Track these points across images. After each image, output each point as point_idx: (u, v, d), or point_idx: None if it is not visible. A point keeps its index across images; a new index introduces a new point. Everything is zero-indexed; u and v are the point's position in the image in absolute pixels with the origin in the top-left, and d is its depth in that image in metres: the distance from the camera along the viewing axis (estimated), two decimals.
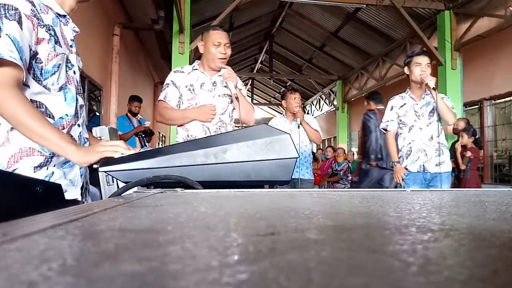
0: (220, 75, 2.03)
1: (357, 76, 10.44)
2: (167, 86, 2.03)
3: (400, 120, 2.75)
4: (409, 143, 2.69)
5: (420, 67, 2.60)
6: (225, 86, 2.03)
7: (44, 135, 0.98)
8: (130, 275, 0.19)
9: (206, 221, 0.39)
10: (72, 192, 1.15)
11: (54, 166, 1.10)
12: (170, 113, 1.99)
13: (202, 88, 2.01)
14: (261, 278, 0.19)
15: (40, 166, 1.07)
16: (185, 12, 5.92)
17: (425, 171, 2.64)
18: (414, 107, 2.69)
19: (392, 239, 0.30)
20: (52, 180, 1.09)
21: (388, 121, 2.82)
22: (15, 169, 1.03)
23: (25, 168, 1.04)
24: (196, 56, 8.42)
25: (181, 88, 2.01)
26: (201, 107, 1.96)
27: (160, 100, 2.03)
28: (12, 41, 0.94)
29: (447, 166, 2.68)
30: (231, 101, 2.04)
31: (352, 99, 11.06)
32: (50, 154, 1.07)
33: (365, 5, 6.53)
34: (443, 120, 2.61)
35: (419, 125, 2.67)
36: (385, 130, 2.85)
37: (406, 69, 2.72)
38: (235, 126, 2.17)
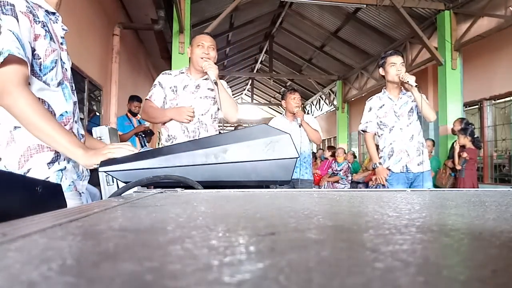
0: (204, 79, 2.15)
1: (357, 76, 10.43)
2: (154, 87, 2.18)
3: (380, 121, 2.74)
4: (390, 144, 2.68)
5: (395, 66, 2.61)
6: (208, 89, 2.15)
7: (54, 136, 0.98)
8: (130, 275, 0.19)
9: (206, 221, 0.39)
10: (79, 186, 1.16)
11: (64, 160, 1.11)
12: (152, 111, 2.14)
13: (184, 90, 2.14)
14: (261, 278, 0.19)
15: (53, 161, 1.07)
16: (185, 12, 5.92)
17: (408, 171, 2.65)
18: (393, 107, 2.70)
19: (392, 239, 0.30)
20: (65, 173, 1.10)
21: (367, 122, 2.80)
22: (29, 169, 1.03)
23: (39, 166, 1.04)
24: None
25: (166, 89, 2.15)
26: (179, 108, 2.09)
27: (146, 98, 2.20)
28: (16, 38, 0.93)
29: (427, 165, 2.71)
30: (214, 103, 2.14)
31: (352, 99, 11.05)
32: None
33: (365, 5, 6.53)
34: (424, 117, 2.61)
35: (399, 125, 2.67)
36: (364, 131, 2.83)
37: (381, 70, 2.73)
38: (219, 127, 2.27)
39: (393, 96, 2.71)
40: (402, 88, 2.70)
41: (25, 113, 0.94)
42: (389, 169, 2.69)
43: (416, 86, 2.49)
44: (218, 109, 2.14)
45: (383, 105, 2.73)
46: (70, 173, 1.12)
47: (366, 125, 2.80)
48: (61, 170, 1.09)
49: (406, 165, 2.64)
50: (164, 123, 2.13)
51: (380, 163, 2.73)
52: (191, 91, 2.14)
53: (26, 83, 0.96)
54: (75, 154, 1.01)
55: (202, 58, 2.09)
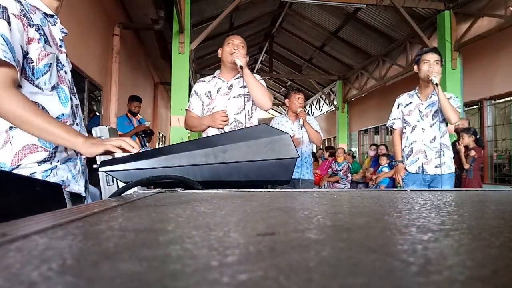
0: (236, 78, 2.20)
1: (357, 76, 10.43)
2: (191, 96, 2.28)
3: (404, 119, 2.73)
4: (411, 144, 2.67)
5: (428, 64, 2.55)
6: (241, 87, 2.17)
7: (51, 130, 0.98)
8: (130, 275, 0.19)
9: (206, 221, 0.39)
10: (75, 187, 1.15)
11: (58, 161, 1.11)
12: (191, 121, 2.24)
13: (218, 93, 2.20)
14: (261, 278, 0.19)
15: (44, 161, 1.07)
16: (185, 12, 5.91)
17: (424, 172, 2.62)
18: (419, 106, 2.67)
19: (392, 239, 0.30)
20: (56, 172, 1.09)
21: (394, 118, 2.80)
22: (18, 165, 1.03)
23: (29, 164, 1.04)
24: (195, 56, 8.44)
25: (202, 96, 2.24)
26: (213, 114, 2.14)
27: (186, 109, 2.30)
28: (5, 41, 0.93)
29: (449, 167, 2.62)
30: (248, 99, 2.16)
31: (352, 99, 11.06)
32: (53, 149, 1.08)
33: (365, 5, 6.52)
34: (445, 117, 2.56)
35: (421, 125, 2.65)
36: (392, 128, 2.84)
37: (415, 67, 2.68)
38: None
39: (422, 95, 2.68)
40: (433, 88, 2.62)
41: (16, 112, 0.94)
42: (406, 169, 2.68)
43: (436, 84, 2.45)
44: (253, 103, 2.16)
45: (410, 103, 2.71)
46: (62, 171, 1.12)
47: (393, 122, 2.80)
48: (51, 169, 1.09)
49: (422, 166, 2.61)
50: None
51: (401, 161, 2.73)
52: (224, 92, 2.19)
53: (14, 85, 0.96)
54: (75, 143, 1.01)
55: (231, 54, 2.12)
